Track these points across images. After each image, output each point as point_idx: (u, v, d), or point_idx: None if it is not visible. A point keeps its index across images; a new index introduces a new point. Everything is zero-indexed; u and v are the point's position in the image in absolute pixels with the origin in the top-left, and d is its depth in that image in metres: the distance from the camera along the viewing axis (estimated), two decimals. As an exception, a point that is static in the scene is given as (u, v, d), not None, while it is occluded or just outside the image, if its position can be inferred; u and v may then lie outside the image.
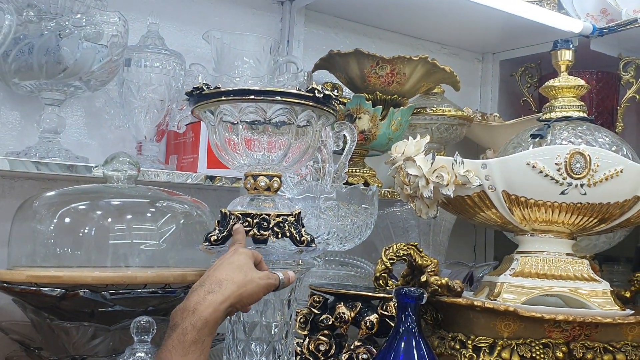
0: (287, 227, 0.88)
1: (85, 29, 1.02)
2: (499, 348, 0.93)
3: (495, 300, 0.97)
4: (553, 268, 1.00)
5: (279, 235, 0.88)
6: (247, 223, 0.87)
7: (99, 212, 0.93)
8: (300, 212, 0.92)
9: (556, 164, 0.95)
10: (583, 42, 1.54)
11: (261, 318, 0.90)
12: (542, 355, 0.93)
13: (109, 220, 0.92)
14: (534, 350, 0.93)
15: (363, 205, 1.15)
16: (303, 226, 0.91)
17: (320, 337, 0.95)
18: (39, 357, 0.89)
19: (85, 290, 0.82)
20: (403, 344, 0.82)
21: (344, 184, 1.17)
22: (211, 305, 0.69)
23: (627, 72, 1.56)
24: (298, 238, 0.89)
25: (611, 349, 0.95)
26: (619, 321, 0.93)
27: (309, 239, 0.90)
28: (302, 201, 1.09)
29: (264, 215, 0.88)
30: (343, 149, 1.17)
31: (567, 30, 1.50)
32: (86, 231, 0.92)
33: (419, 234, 1.31)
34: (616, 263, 1.56)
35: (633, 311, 0.98)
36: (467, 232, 1.74)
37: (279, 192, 0.93)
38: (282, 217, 0.89)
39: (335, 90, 1.11)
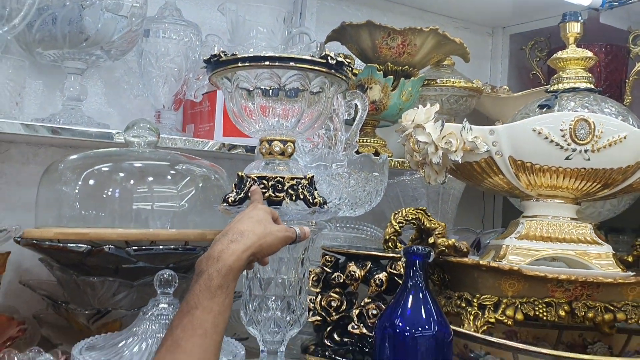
0: (300, 190, 0.93)
1: (106, 0, 1.06)
2: (503, 306, 0.97)
3: (501, 261, 1.00)
4: (557, 231, 1.04)
5: (293, 198, 0.92)
6: (262, 185, 0.91)
7: (121, 174, 0.97)
8: (313, 176, 0.96)
9: (561, 130, 0.98)
10: (592, 15, 1.56)
11: (276, 275, 0.94)
12: (545, 314, 0.97)
13: (132, 182, 0.97)
14: (537, 308, 0.97)
15: (373, 173, 1.19)
16: (316, 189, 0.95)
17: (332, 294, 0.99)
18: (66, 311, 0.94)
19: (110, 246, 0.87)
20: (411, 297, 0.86)
21: (355, 152, 1.21)
22: (234, 253, 0.73)
23: (636, 45, 1.58)
24: (311, 200, 0.93)
25: (612, 308, 0.98)
26: (620, 281, 0.96)
27: (321, 201, 0.94)
28: (314, 168, 1.13)
29: (278, 178, 0.92)
30: (354, 118, 1.21)
31: (577, 4, 1.52)
32: (110, 192, 0.96)
33: (427, 202, 1.35)
34: (622, 233, 1.58)
35: (634, 273, 1.02)
36: (476, 203, 1.77)
37: (292, 158, 0.97)
38: (296, 180, 0.93)
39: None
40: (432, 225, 1.05)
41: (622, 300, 0.99)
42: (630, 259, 1.14)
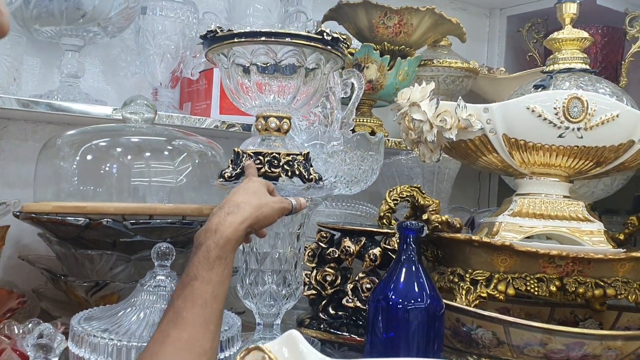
0: (296, 166, 0.94)
1: (102, -24, 1.06)
2: (495, 281, 0.98)
3: (494, 238, 1.02)
4: (550, 209, 1.05)
5: (289, 174, 0.93)
6: (258, 161, 0.92)
7: (119, 149, 0.98)
8: (309, 153, 0.97)
9: (554, 108, 0.99)
10: (589, -3, 1.56)
11: (272, 250, 0.96)
12: (536, 289, 0.98)
13: (129, 157, 0.98)
14: (528, 283, 0.98)
15: (369, 152, 1.20)
16: (311, 165, 0.97)
17: (327, 269, 1.01)
18: (65, 284, 0.96)
19: (107, 219, 0.88)
20: (404, 271, 0.88)
21: (351, 131, 1.22)
22: (232, 225, 0.74)
23: (632, 27, 1.58)
24: (307, 176, 0.94)
25: (602, 284, 1.00)
26: (611, 257, 0.98)
27: (317, 177, 0.95)
28: (310, 146, 1.14)
29: (274, 154, 0.93)
30: (351, 97, 1.21)
31: (574, -16, 1.51)
32: (107, 168, 0.97)
33: (423, 181, 1.36)
34: (616, 214, 1.60)
35: (625, 250, 1.03)
36: (471, 183, 1.78)
37: (288, 135, 0.98)
38: (291, 156, 0.94)
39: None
40: (426, 202, 1.07)
41: (613, 276, 1.00)
42: (621, 237, 1.15)
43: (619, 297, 1.00)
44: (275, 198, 0.83)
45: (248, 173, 0.88)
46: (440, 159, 1.13)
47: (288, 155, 0.94)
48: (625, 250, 1.03)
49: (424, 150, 1.12)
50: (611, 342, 0.92)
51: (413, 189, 1.10)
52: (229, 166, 0.93)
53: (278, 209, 0.82)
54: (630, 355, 0.95)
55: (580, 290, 0.99)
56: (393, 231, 1.00)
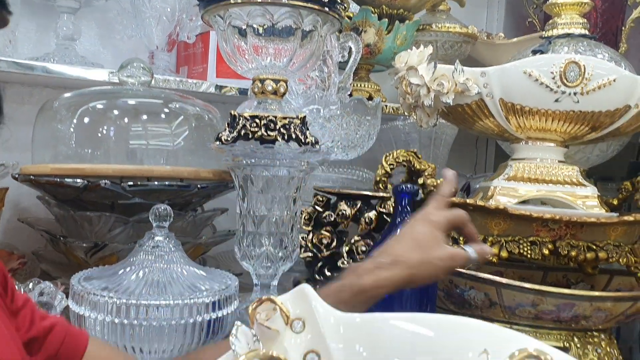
0: (292, 129, 0.94)
1: (97, -64, 1.05)
2: (488, 244, 0.99)
3: (488, 202, 1.03)
4: (545, 173, 1.06)
5: (285, 137, 0.94)
6: (255, 124, 0.92)
7: (116, 112, 0.98)
8: (305, 116, 0.97)
9: (551, 72, 0.98)
10: (591, -40, 1.54)
11: (269, 213, 0.97)
12: (529, 252, 1.00)
13: (126, 120, 0.98)
14: (521, 247, 1.00)
15: (366, 117, 1.20)
16: (308, 129, 0.97)
17: (323, 232, 1.02)
18: (64, 245, 0.97)
19: (105, 181, 0.89)
20: (399, 231, 0.89)
21: (348, 96, 1.22)
22: (376, 281, 0.66)
23: (634, -8, 1.57)
24: (303, 140, 0.94)
25: (594, 247, 1.01)
26: (603, 221, 0.99)
27: (313, 140, 0.95)
28: (307, 111, 1.14)
29: (271, 118, 0.93)
30: (348, 61, 1.21)
31: (576, -52, 1.49)
32: (105, 130, 0.98)
33: (420, 147, 1.37)
34: (611, 181, 1.61)
35: (617, 214, 1.04)
36: (468, 150, 1.79)
37: (285, 99, 0.98)
38: (288, 119, 0.94)
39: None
40: (422, 166, 1.07)
41: (605, 240, 1.02)
42: (615, 202, 1.16)
43: (611, 260, 1.01)
44: (444, 253, 0.69)
45: (439, 191, 0.76)
46: (437, 124, 1.13)
47: (284, 118, 0.94)
48: (618, 214, 1.04)
49: (421, 114, 1.12)
50: (601, 303, 0.94)
51: (409, 153, 1.10)
52: (225, 129, 0.93)
53: (442, 269, 0.69)
54: (620, 316, 0.97)
55: (573, 253, 1.01)
56: (388, 195, 1.01)
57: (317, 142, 0.96)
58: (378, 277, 0.66)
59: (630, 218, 1.01)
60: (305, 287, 0.56)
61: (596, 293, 0.96)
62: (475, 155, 1.82)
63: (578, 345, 1.00)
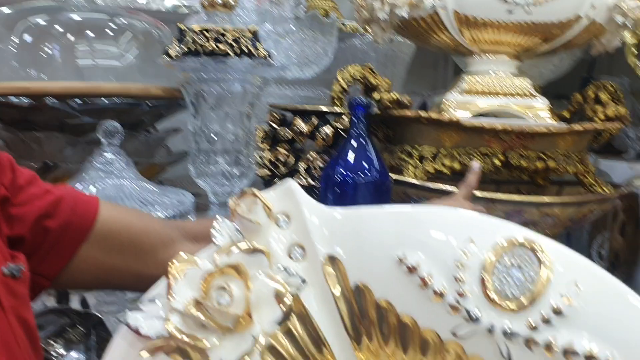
0: (243, 43, 0.92)
1: None
2: (441, 156, 1.01)
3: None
4: (497, 86, 1.07)
5: (236, 51, 0.92)
6: (204, 38, 0.90)
7: (59, 28, 0.94)
8: (257, 30, 0.95)
9: (504, -18, 0.98)
10: None
11: (222, 130, 0.96)
12: (481, 163, 1.02)
13: (71, 36, 0.95)
14: (473, 157, 1.02)
15: (322, 33, 1.18)
16: (260, 42, 0.95)
17: (279, 149, 1.02)
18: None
19: (52, 99, 0.87)
20: (354, 147, 0.90)
21: (303, 12, 1.19)
22: None
23: None
24: (255, 54, 0.93)
25: (544, 157, 1.04)
26: (553, 131, 1.01)
27: (265, 54, 0.94)
28: (260, 26, 1.11)
29: (221, 31, 0.91)
30: (302, -25, 1.18)
31: None
32: (49, 48, 0.94)
33: (377, 66, 1.34)
34: (566, 98, 1.63)
35: (568, 124, 1.07)
36: (427, 70, 1.78)
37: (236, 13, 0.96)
38: (239, 32, 0.92)
39: None
40: (377, 82, 1.07)
41: (555, 150, 1.04)
42: (567, 114, 1.19)
43: (560, 169, 1.04)
44: None
45: (466, 180, 0.81)
46: (392, 40, 1.12)
47: (235, 31, 0.92)
48: (568, 125, 1.07)
49: (376, 29, 1.11)
50: (548, 209, 0.98)
51: (364, 69, 1.09)
52: (173, 43, 0.91)
53: None
54: (567, 222, 1.01)
55: (523, 163, 1.03)
56: (344, 111, 1.00)
57: (269, 56, 0.95)
58: None
59: (580, 128, 1.04)
60: (292, 184, 0.56)
61: (544, 198, 0.99)
62: (434, 76, 1.82)
63: (527, 251, 1.04)
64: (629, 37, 1.21)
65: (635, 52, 1.24)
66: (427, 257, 0.51)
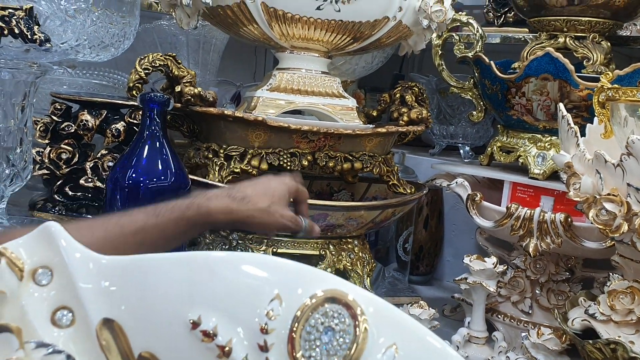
0: (15, 23, 0.78)
1: None
2: (249, 156, 0.96)
3: (251, 113, 0.98)
4: (307, 84, 1.04)
5: (5, 32, 0.78)
6: (-38, 14, 0.75)
7: None
8: (32, 8, 0.81)
9: (310, -23, 0.94)
10: None
11: (-12, 123, 0.81)
12: (289, 164, 0.99)
13: None
14: (281, 158, 0.98)
15: (121, 13, 1.06)
16: (38, 24, 0.82)
17: (62, 145, 0.89)
18: None
19: None
20: (147, 147, 0.81)
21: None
22: (223, 209, 0.70)
23: None
24: (30, 36, 0.79)
25: (351, 158, 1.04)
26: (359, 132, 1.01)
27: (42, 38, 0.80)
28: (44, 3, 0.96)
29: (-16, 7, 0.76)
30: (97, -54, 1.04)
31: None
32: None
33: (188, 51, 1.27)
34: (380, 92, 1.68)
35: (373, 125, 1.07)
36: (246, 58, 1.73)
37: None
38: (9, 10, 0.78)
39: None
40: (181, 72, 0.98)
41: (361, 151, 1.05)
42: (375, 113, 1.20)
43: (365, 170, 1.05)
44: (286, 214, 0.75)
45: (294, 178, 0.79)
46: (197, 26, 1.04)
47: (4, 9, 0.78)
48: (373, 126, 1.07)
49: (180, 14, 1.01)
50: (354, 213, 0.98)
51: (167, 57, 1.00)
52: None
53: (278, 225, 0.74)
54: (370, 224, 1.02)
55: (331, 164, 1.02)
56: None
57: (48, 40, 0.81)
58: (227, 205, 0.70)
59: (383, 130, 1.05)
60: (52, 225, 0.42)
61: (349, 203, 0.99)
62: (254, 64, 1.76)
63: (333, 252, 1.03)
64: (435, 39, 1.25)
65: (440, 52, 1.28)
66: (226, 318, 0.42)
